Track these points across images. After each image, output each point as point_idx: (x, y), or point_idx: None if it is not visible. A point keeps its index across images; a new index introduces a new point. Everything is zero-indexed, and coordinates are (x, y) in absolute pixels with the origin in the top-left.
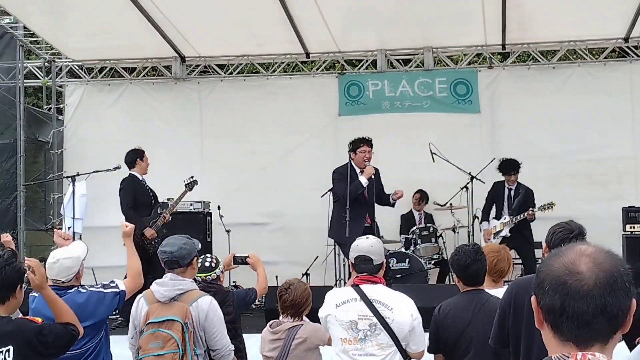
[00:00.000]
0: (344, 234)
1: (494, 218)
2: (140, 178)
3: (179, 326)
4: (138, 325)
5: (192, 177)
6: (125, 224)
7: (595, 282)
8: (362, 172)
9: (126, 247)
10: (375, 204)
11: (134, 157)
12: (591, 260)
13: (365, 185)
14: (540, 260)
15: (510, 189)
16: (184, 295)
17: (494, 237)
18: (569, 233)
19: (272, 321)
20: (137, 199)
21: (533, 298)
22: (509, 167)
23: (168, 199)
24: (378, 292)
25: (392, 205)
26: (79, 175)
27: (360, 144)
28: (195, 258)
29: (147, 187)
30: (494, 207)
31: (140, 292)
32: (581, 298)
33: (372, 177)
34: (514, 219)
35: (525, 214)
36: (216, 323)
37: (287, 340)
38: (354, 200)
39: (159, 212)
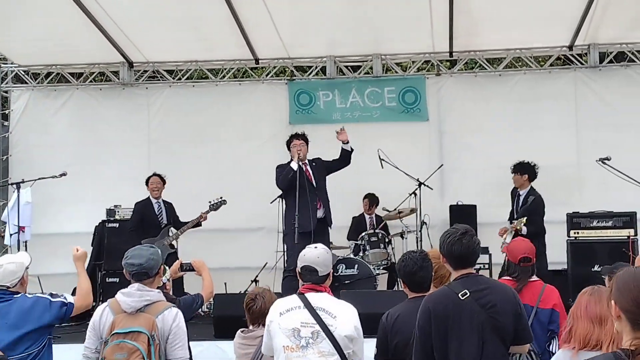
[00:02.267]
0: (293, 240)
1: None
2: (155, 201)
3: (145, 338)
4: (102, 334)
5: (220, 198)
6: (76, 248)
7: None
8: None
9: (77, 268)
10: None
11: (146, 182)
12: None
13: (295, 169)
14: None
15: (520, 194)
16: (150, 306)
17: (502, 243)
18: (457, 234)
19: (243, 329)
20: (144, 221)
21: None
22: (514, 166)
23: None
24: (322, 300)
25: (348, 151)
26: (24, 182)
27: (291, 139)
28: (162, 267)
29: (160, 210)
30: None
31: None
32: None
33: (312, 163)
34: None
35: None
36: (180, 335)
37: (258, 348)
38: (300, 188)
39: (169, 235)
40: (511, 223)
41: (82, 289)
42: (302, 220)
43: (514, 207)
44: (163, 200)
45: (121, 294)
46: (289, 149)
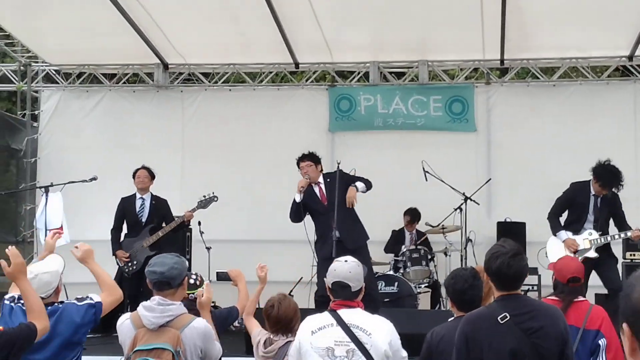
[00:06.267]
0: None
1: (565, 229)
2: (139, 196)
3: (169, 355)
4: (124, 349)
5: (211, 194)
6: (75, 246)
7: None
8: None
9: (88, 267)
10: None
11: (133, 174)
12: None
13: (298, 201)
14: None
15: (597, 197)
16: (174, 320)
17: (575, 255)
18: (506, 255)
19: (265, 339)
20: (126, 219)
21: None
22: (608, 176)
23: (177, 217)
24: (356, 316)
25: (364, 192)
26: (53, 185)
27: (299, 162)
28: (186, 278)
29: (142, 207)
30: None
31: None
32: None
33: (326, 179)
34: (605, 238)
35: (630, 234)
36: (214, 342)
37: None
38: (314, 213)
39: (149, 235)
40: (593, 234)
41: (105, 283)
42: (322, 245)
43: (589, 212)
44: (153, 196)
45: (143, 308)
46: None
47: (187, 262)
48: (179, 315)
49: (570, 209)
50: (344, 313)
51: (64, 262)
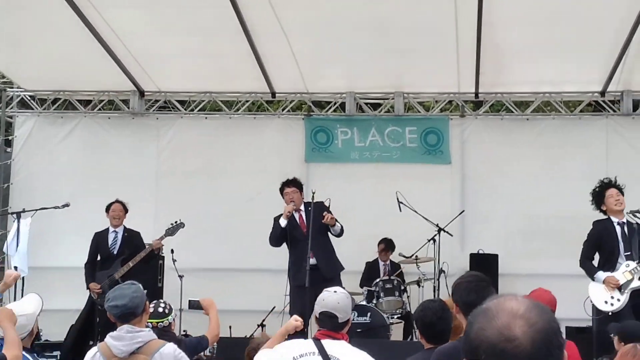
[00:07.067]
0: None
1: (599, 268)
2: (112, 230)
3: None
4: None
5: (177, 221)
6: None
7: (533, 346)
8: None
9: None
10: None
11: (107, 208)
12: (525, 323)
13: (283, 226)
14: None
15: (621, 224)
16: (143, 347)
17: (621, 292)
18: (473, 282)
19: None
20: (99, 253)
21: None
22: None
23: (148, 244)
24: (338, 348)
25: (335, 234)
26: (25, 211)
27: (284, 187)
28: (147, 301)
29: (115, 240)
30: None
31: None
32: None
33: (307, 207)
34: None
35: None
36: None
37: None
38: (293, 240)
39: (122, 264)
40: (631, 265)
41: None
42: (295, 272)
43: (619, 243)
44: (126, 229)
45: (111, 338)
46: (282, 196)
47: (141, 286)
48: (149, 342)
49: (600, 247)
50: (327, 344)
51: (42, 301)
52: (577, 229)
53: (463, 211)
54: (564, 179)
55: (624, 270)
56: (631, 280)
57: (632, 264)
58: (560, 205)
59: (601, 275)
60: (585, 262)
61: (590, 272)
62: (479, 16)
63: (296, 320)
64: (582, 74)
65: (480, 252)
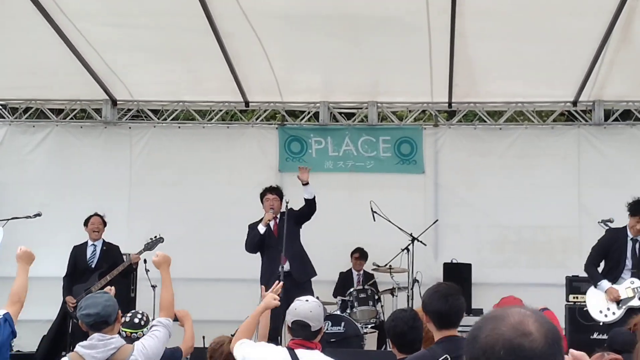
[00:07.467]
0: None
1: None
2: (90, 243)
3: None
4: None
5: (157, 236)
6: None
7: (546, 342)
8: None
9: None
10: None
11: (85, 222)
12: (536, 321)
13: (262, 232)
14: None
15: (634, 240)
16: (116, 353)
17: (618, 306)
18: (442, 292)
19: None
20: (77, 266)
21: None
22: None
23: (126, 255)
24: (313, 357)
25: (310, 200)
26: None
27: (265, 193)
28: (119, 311)
29: (93, 253)
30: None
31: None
32: (538, 358)
33: (282, 216)
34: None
35: None
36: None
37: None
38: (266, 246)
39: (99, 277)
40: (636, 282)
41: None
42: (268, 279)
43: (628, 257)
44: (104, 242)
45: (82, 347)
46: (262, 202)
47: (113, 296)
48: (121, 347)
49: (607, 256)
50: (301, 353)
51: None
52: (548, 239)
53: (437, 220)
54: (537, 188)
55: (627, 286)
56: (631, 298)
57: (638, 282)
58: (532, 215)
59: (605, 284)
60: (590, 267)
61: (594, 279)
62: (452, 28)
63: (274, 300)
64: (555, 85)
65: (454, 261)
